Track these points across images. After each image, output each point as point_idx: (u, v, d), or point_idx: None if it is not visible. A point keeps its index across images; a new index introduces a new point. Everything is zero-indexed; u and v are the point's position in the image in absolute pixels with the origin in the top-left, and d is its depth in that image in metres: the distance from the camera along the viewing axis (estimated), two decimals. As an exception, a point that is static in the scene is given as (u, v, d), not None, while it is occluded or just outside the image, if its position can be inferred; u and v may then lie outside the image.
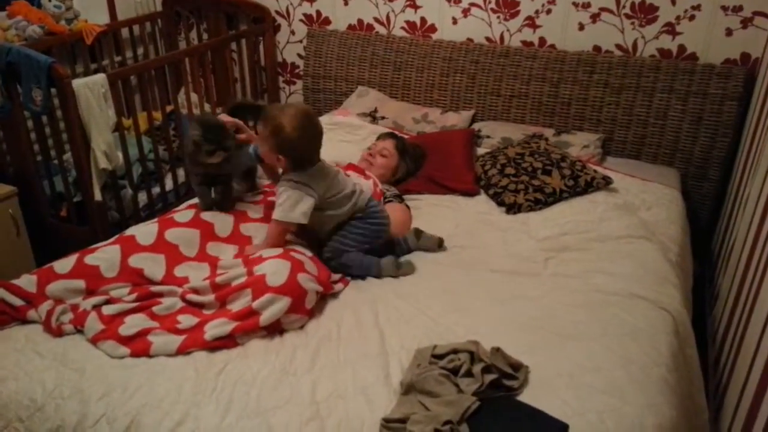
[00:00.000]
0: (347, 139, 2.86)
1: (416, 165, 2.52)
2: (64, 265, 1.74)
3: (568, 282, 1.86)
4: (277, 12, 3.38)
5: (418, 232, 2.06)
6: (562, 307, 1.74)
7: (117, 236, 1.90)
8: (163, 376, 1.48)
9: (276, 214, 1.83)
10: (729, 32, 2.55)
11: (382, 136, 2.58)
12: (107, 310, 1.64)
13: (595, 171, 2.42)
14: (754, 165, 2.14)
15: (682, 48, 2.65)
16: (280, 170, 1.94)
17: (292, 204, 1.81)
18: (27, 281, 1.71)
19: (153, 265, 1.77)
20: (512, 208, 2.30)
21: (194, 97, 3.03)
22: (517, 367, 1.45)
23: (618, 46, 2.75)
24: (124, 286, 1.72)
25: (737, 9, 2.50)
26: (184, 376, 1.47)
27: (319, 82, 3.32)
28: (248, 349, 1.58)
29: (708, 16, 2.55)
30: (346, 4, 3.21)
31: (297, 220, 1.82)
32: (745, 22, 2.51)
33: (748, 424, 1.47)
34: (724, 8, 2.52)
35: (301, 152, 1.83)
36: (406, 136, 2.74)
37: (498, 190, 2.38)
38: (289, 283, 1.64)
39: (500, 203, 2.35)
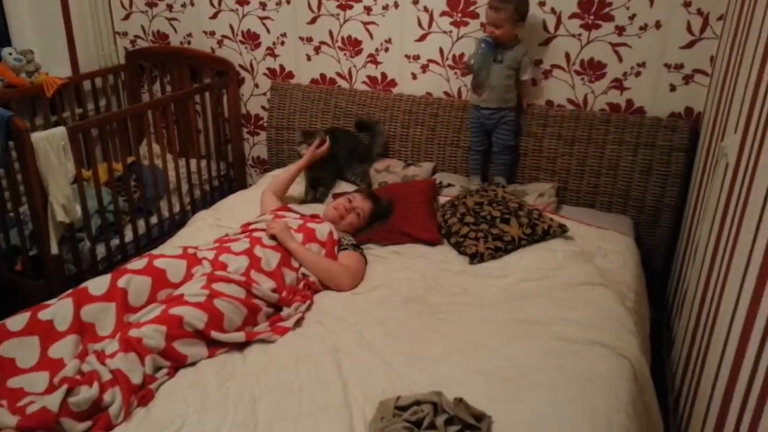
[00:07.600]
0: (311, 189, 2.89)
1: (372, 226, 2.55)
2: (16, 322, 1.69)
3: (528, 329, 1.88)
4: (240, 66, 3.44)
5: None
6: (523, 355, 1.75)
7: (71, 290, 1.86)
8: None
9: None
10: (673, 88, 2.70)
11: (362, 193, 2.60)
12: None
13: (551, 219, 2.48)
14: (702, 212, 2.23)
15: (630, 102, 2.79)
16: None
17: None
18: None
19: (104, 318, 1.75)
20: (475, 258, 2.33)
21: (156, 148, 3.03)
22: (480, 417, 1.46)
23: (569, 101, 2.87)
24: None
25: (679, 66, 2.66)
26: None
27: (283, 133, 3.36)
28: (206, 402, 1.54)
29: (653, 72, 2.70)
30: (308, 59, 3.28)
31: None
32: (687, 79, 2.66)
33: (707, 468, 1.49)
34: (667, 66, 2.67)
35: None
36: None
37: (459, 238, 2.42)
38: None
39: (462, 252, 2.38)
